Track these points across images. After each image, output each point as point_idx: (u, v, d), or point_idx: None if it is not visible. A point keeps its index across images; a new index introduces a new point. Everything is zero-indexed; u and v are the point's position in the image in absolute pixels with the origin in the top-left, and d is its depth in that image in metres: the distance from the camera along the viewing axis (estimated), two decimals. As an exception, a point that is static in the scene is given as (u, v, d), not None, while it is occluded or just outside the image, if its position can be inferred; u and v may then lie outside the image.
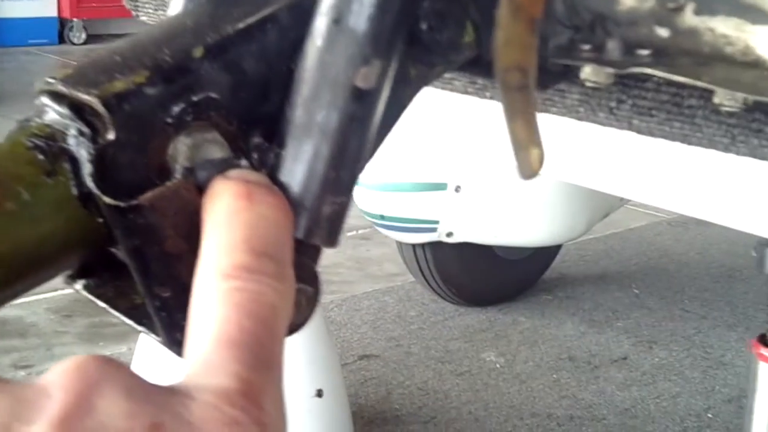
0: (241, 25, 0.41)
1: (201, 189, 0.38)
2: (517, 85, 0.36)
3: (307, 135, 0.40)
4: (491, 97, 0.80)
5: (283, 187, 0.40)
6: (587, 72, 0.65)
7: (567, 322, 3.05)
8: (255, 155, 0.40)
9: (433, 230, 2.78)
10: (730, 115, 0.63)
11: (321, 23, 0.41)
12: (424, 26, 0.45)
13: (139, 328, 0.43)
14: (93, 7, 7.82)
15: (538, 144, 0.39)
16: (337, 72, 0.40)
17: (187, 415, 0.30)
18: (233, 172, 0.38)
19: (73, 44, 7.95)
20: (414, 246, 2.92)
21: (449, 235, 2.79)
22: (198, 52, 0.40)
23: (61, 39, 8.17)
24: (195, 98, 0.39)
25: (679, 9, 0.44)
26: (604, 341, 2.93)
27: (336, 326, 2.92)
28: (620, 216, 3.69)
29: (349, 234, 3.74)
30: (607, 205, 3.05)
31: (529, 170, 0.40)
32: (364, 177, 2.46)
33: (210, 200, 0.38)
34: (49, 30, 8.16)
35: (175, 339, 0.39)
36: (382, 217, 2.74)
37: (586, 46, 0.44)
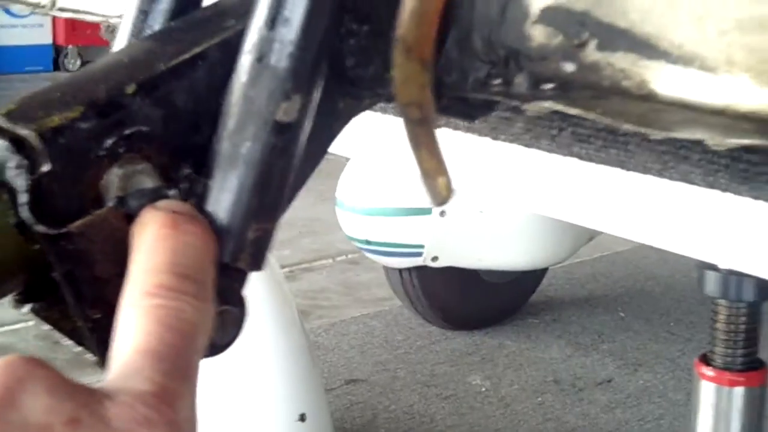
0: (172, 63, 0.44)
1: (131, 217, 0.41)
2: (417, 118, 0.39)
3: (233, 166, 0.43)
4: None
5: (209, 215, 0.43)
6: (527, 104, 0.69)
7: (553, 345, 3.07)
8: (184, 185, 0.43)
9: (419, 255, 2.80)
10: (660, 142, 0.66)
11: (245, 61, 0.44)
12: (350, 63, 0.48)
13: (80, 348, 0.46)
14: (87, 34, 7.88)
15: (444, 172, 0.41)
16: (259, 107, 0.43)
17: (103, 412, 0.33)
18: (161, 203, 0.41)
19: (68, 71, 8.01)
20: (400, 270, 2.95)
21: (434, 259, 2.82)
22: (130, 88, 0.43)
23: (57, 66, 8.23)
24: (127, 132, 0.42)
25: (583, 44, 0.47)
26: (589, 364, 2.95)
27: (323, 351, 2.94)
28: (607, 239, 3.72)
29: (338, 259, 3.77)
30: (592, 229, 3.08)
31: (438, 197, 0.42)
32: (349, 202, 2.48)
33: (138, 228, 0.40)
34: (44, 57, 8.23)
35: (108, 358, 0.42)
36: (368, 242, 2.77)
37: (497, 81, 0.47)
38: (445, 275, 2.93)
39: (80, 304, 0.41)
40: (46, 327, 0.47)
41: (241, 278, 0.45)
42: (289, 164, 0.44)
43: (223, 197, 0.43)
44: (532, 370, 2.89)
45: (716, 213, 0.67)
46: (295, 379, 2.04)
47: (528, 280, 3.23)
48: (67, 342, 0.46)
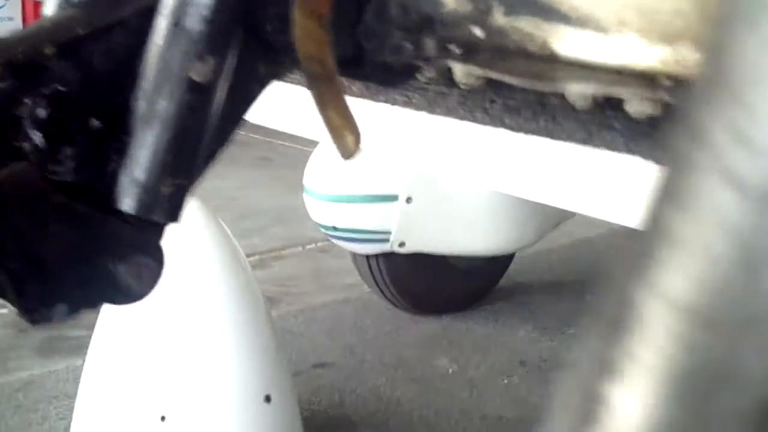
0: (92, 27, 0.46)
1: (44, 169, 0.43)
2: (318, 74, 0.41)
3: (149, 124, 0.45)
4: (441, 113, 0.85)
5: (128, 171, 0.45)
6: (459, 75, 0.71)
7: (520, 329, 3.10)
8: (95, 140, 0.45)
9: (386, 241, 2.82)
10: (584, 112, 0.69)
11: (161, 24, 0.46)
12: (269, 28, 0.50)
13: (2, 300, 0.47)
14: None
15: (351, 128, 0.43)
16: (174, 67, 0.45)
17: None
18: None
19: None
20: (368, 257, 2.97)
21: (401, 245, 2.84)
22: (50, 50, 0.44)
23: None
24: (45, 91, 0.44)
25: (490, 11, 0.49)
26: (555, 347, 2.98)
27: (292, 336, 2.96)
28: (576, 225, 3.76)
29: (307, 247, 3.79)
30: (558, 214, 3.11)
31: (347, 152, 0.45)
32: (316, 189, 2.48)
33: None
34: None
35: (25, 307, 0.44)
36: (335, 229, 2.79)
37: (409, 45, 0.49)
38: (413, 261, 2.95)
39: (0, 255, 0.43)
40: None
41: (157, 231, 0.47)
42: (203, 123, 0.46)
43: (139, 153, 0.45)
44: (499, 353, 2.92)
45: (638, 179, 0.69)
46: (260, 360, 2.05)
47: (495, 265, 3.26)
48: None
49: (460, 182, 2.85)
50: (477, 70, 0.50)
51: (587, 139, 0.70)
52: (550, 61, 0.46)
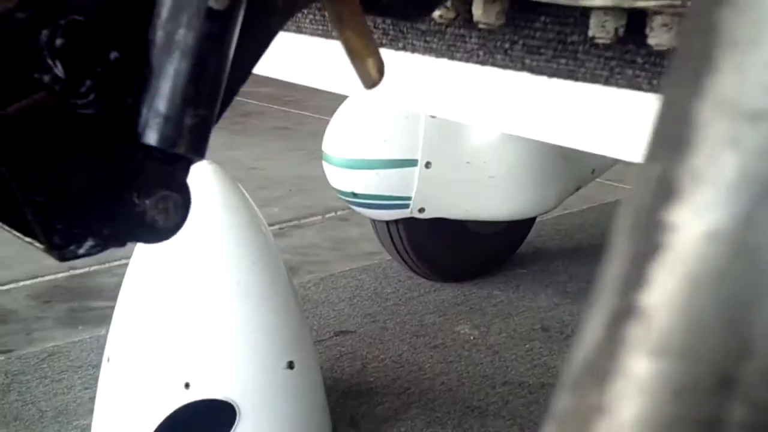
0: None
1: (65, 101, 0.42)
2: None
3: (168, 54, 0.45)
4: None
5: (149, 103, 0.44)
6: (478, 14, 0.70)
7: (541, 295, 3.10)
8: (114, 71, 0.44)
9: (406, 206, 2.82)
10: (606, 47, 0.68)
11: (178, -49, 0.45)
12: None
13: (27, 239, 0.47)
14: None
15: (373, 53, 0.43)
16: (192, -5, 0.44)
17: None
18: None
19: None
20: (387, 223, 2.96)
21: (421, 210, 2.83)
22: (66, -20, 0.44)
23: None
24: (62, 21, 0.43)
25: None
26: (576, 312, 2.97)
27: (313, 304, 2.96)
28: (595, 191, 3.75)
29: (327, 216, 3.79)
30: (578, 177, 3.09)
31: (369, 80, 0.44)
32: (335, 155, 2.48)
33: None
34: None
35: (53, 243, 0.44)
36: (354, 195, 2.79)
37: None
38: (433, 227, 2.95)
39: (22, 187, 0.43)
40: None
41: (183, 165, 0.46)
42: (223, 52, 0.45)
43: (160, 84, 0.44)
44: (521, 319, 2.92)
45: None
46: (283, 327, 2.06)
47: (516, 230, 3.25)
48: (16, 234, 0.47)
49: (480, 146, 2.84)
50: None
51: (609, 77, 0.69)
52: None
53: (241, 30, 0.47)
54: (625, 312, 0.19)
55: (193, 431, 2.07)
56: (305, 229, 3.67)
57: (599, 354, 0.19)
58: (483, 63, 0.78)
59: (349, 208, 3.05)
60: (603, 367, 0.19)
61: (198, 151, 0.46)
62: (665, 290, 0.18)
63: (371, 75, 0.44)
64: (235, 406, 1.96)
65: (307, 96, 5.61)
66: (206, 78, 0.45)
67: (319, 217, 3.77)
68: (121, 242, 0.46)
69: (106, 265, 3.18)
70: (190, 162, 0.47)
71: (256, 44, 0.49)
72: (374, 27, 0.84)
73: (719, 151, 0.19)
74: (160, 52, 0.45)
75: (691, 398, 0.18)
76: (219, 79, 0.46)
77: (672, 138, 0.19)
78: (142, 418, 1.96)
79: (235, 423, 1.96)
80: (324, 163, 2.81)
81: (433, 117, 2.73)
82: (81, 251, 0.44)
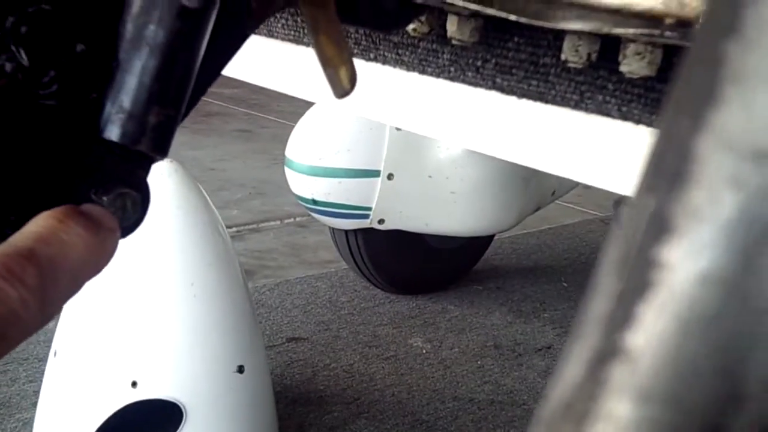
0: None
1: (27, 90, 0.41)
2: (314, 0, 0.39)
3: (136, 49, 0.44)
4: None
5: (113, 98, 0.43)
6: (452, 30, 0.70)
7: (495, 312, 3.11)
8: (80, 64, 0.43)
9: (366, 217, 2.81)
10: (578, 72, 0.68)
11: (152, -54, 0.44)
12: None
13: None
14: None
15: (346, 61, 0.42)
16: (164, -9, 0.44)
17: None
18: (86, 206, 0.41)
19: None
20: (346, 232, 2.96)
21: (381, 222, 2.83)
22: (35, -33, 0.43)
23: None
24: (30, 8, 0.42)
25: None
26: (530, 331, 2.98)
27: (267, 309, 2.94)
28: (553, 212, 3.77)
29: (286, 221, 3.77)
30: (538, 198, 3.11)
31: (340, 89, 0.43)
32: (297, 160, 2.47)
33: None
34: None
35: (5, 235, 0.42)
36: (315, 202, 2.77)
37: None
38: (391, 239, 2.95)
39: None
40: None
41: (144, 163, 0.45)
42: (193, 51, 0.44)
43: (127, 80, 0.43)
44: (473, 335, 2.92)
45: (630, 144, 0.68)
46: (234, 331, 2.04)
47: (474, 247, 3.26)
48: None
49: (443, 162, 2.84)
50: (472, 6, 0.49)
51: (579, 101, 0.69)
52: (549, 0, 0.45)
53: (212, 30, 0.46)
54: (608, 352, 0.18)
55: (139, 430, 2.04)
56: (263, 234, 3.65)
57: (578, 395, 0.18)
58: (454, 79, 0.78)
59: (308, 215, 3.03)
60: (581, 410, 0.18)
61: (161, 150, 0.45)
62: (653, 331, 0.18)
63: (343, 84, 0.43)
64: (182, 407, 1.94)
65: (272, 100, 5.59)
66: (174, 76, 0.44)
67: (278, 222, 3.75)
68: None
69: (59, 257, 3.13)
70: (152, 161, 0.46)
71: (227, 46, 0.48)
72: (347, 36, 0.84)
73: (719, 189, 0.18)
74: (128, 47, 0.44)
75: None
76: (187, 79, 0.45)
77: (669, 172, 0.19)
78: (86, 415, 1.93)
79: (182, 424, 1.94)
80: (286, 169, 2.80)
81: (398, 129, 2.73)
82: None
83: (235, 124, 5.29)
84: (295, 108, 2.91)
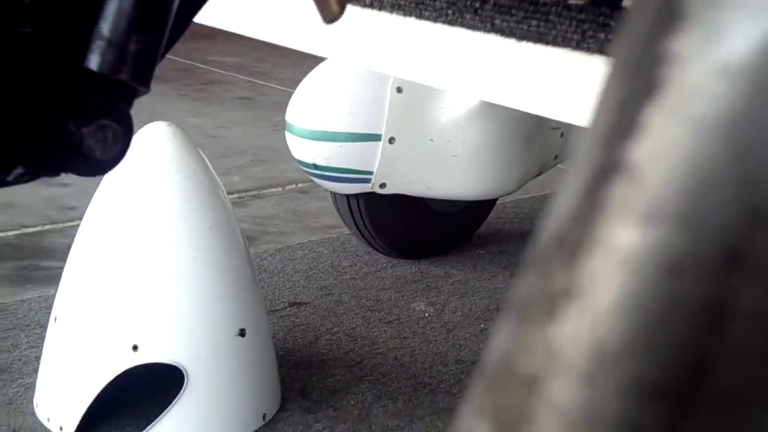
0: None
1: (3, 18, 0.39)
2: None
3: (115, -26, 0.42)
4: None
5: (92, 26, 0.42)
6: (449, -31, 0.67)
7: (498, 276, 3.09)
8: None
9: (367, 181, 2.79)
10: (580, 10, 0.66)
11: None
12: None
13: None
14: None
15: (334, -15, 0.40)
16: None
17: None
18: None
19: None
20: (348, 197, 2.94)
21: (382, 186, 2.81)
22: None
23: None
24: None
25: None
26: (533, 294, 2.97)
27: (268, 274, 2.93)
28: (557, 175, 3.74)
29: (287, 187, 3.76)
30: (541, 162, 3.09)
31: (329, 13, 0.41)
32: (298, 124, 2.46)
33: None
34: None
35: None
36: (316, 167, 2.76)
37: None
38: (393, 203, 2.93)
39: None
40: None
41: (126, 94, 0.44)
42: (174, -23, 0.43)
43: (105, 6, 0.42)
44: (476, 299, 2.91)
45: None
46: (235, 294, 2.03)
47: (476, 211, 3.24)
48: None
49: (444, 125, 2.82)
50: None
51: (581, 41, 0.67)
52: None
53: (196, -44, 0.44)
54: (608, 168, 0.15)
55: (140, 394, 2.04)
56: (264, 200, 3.63)
57: (573, 224, 0.16)
58: (452, 23, 0.76)
59: (310, 181, 3.01)
60: (575, 240, 0.15)
61: (142, 80, 0.43)
62: (661, 138, 0.15)
63: (332, 7, 0.41)
64: (183, 370, 1.93)
65: (273, 67, 5.56)
66: (154, 3, 0.42)
67: (279, 189, 3.74)
68: (53, 172, 0.43)
69: (60, 225, 3.13)
70: (135, 92, 0.44)
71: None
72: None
73: None
74: (106, -27, 0.42)
75: (690, 277, 0.14)
76: (168, 6, 0.43)
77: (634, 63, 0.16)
78: (88, 379, 1.93)
79: (183, 387, 1.93)
80: (287, 133, 2.77)
81: (399, 91, 2.71)
82: (9, 178, 0.41)
83: (237, 91, 5.26)
84: (296, 75, 2.88)
